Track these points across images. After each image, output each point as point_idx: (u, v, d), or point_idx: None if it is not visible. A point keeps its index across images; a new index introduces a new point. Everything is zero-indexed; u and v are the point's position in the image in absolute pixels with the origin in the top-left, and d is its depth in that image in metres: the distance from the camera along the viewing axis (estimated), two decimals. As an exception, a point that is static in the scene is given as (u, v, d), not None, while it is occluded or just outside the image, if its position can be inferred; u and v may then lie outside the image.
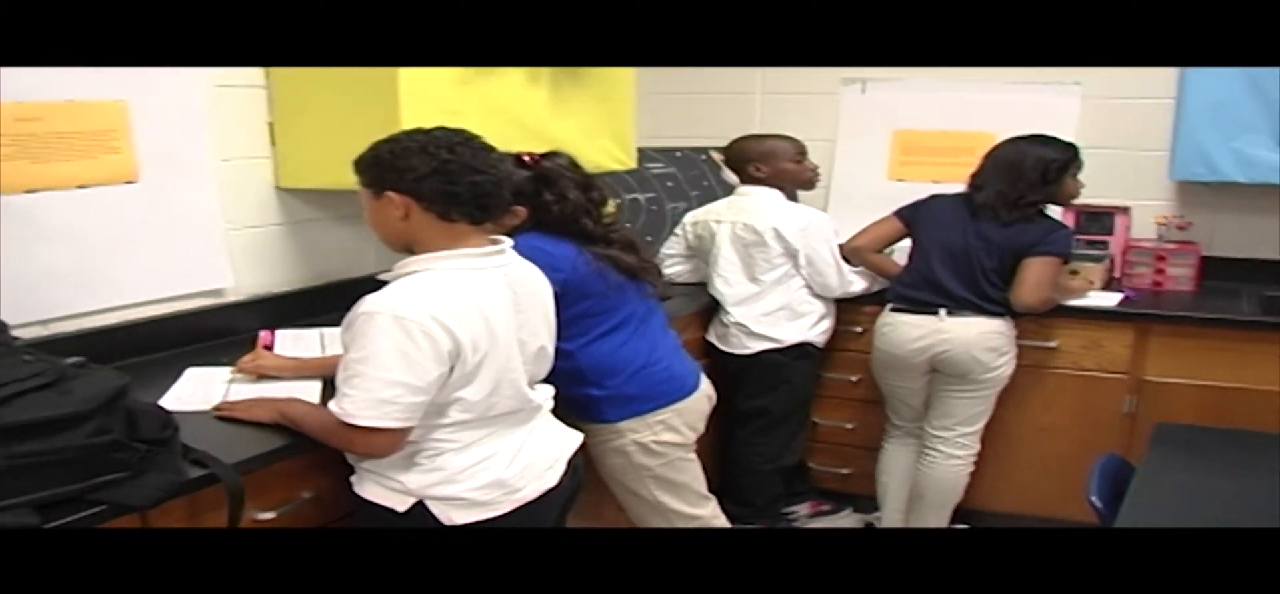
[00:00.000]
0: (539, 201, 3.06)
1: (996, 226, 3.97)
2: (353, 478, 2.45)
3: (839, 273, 4.23)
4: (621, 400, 3.18)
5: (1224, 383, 4.06)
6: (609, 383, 3.16)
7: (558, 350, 2.78)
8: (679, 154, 4.97)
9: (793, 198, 4.34)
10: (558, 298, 2.78)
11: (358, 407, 2.24)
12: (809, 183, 4.36)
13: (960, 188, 4.16)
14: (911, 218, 4.25)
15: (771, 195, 4.23)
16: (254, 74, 3.35)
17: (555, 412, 2.76)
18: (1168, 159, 4.54)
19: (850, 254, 4.30)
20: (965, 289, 3.99)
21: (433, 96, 3.10)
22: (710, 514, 3.47)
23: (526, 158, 3.09)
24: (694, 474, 3.40)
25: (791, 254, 4.14)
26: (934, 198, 4.24)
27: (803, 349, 4.26)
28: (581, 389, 3.13)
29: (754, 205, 4.21)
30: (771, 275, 4.17)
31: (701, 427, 3.40)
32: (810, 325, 4.25)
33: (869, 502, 4.61)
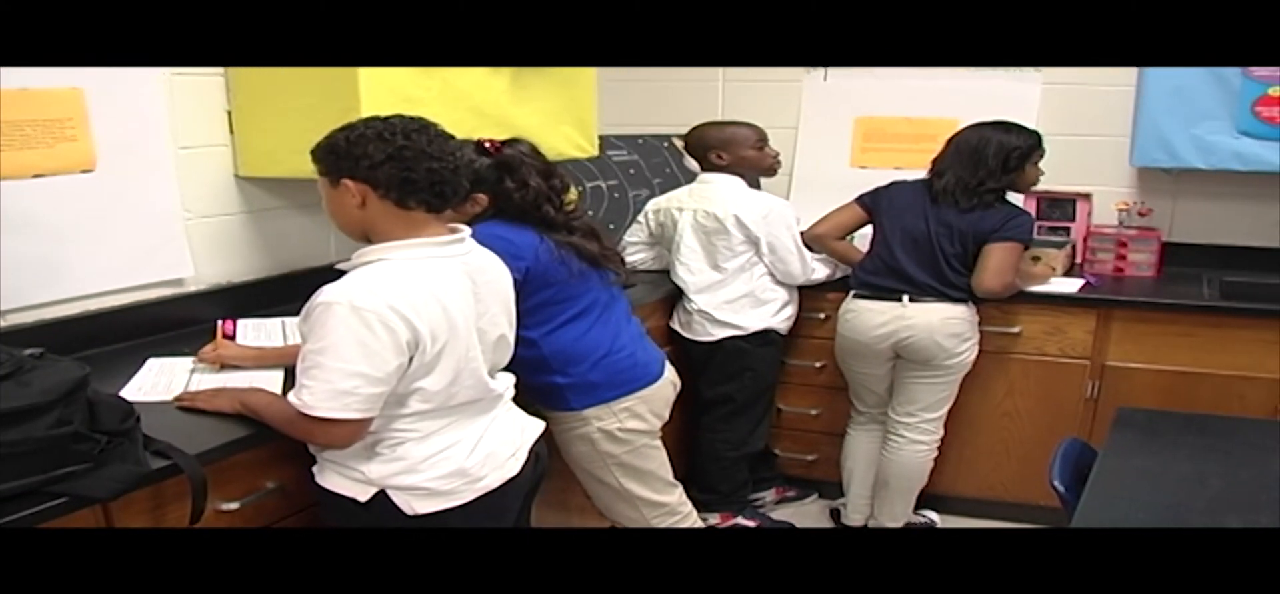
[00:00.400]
0: (500, 189, 3.05)
1: (957, 212, 3.98)
2: (314, 468, 2.44)
3: (801, 260, 4.22)
4: (585, 388, 3.18)
5: (1185, 367, 4.10)
6: (573, 370, 3.15)
7: (521, 339, 2.78)
8: (641, 141, 4.96)
9: (755, 185, 4.33)
10: (519, 286, 2.78)
11: (317, 398, 2.22)
12: (770, 170, 4.35)
13: (922, 174, 4.17)
14: (872, 205, 4.25)
15: (732, 183, 4.21)
16: (210, 61, 3.33)
17: (519, 400, 2.75)
18: (1129, 146, 4.57)
19: (812, 241, 4.30)
20: (928, 275, 4.01)
21: (392, 85, 3.08)
22: (676, 501, 3.48)
23: (488, 144, 3.08)
24: (660, 461, 3.40)
25: (753, 241, 4.14)
26: (894, 184, 4.24)
27: (766, 336, 4.25)
28: (545, 377, 3.13)
29: (715, 193, 4.20)
30: (734, 263, 4.16)
31: (666, 413, 3.40)
32: (773, 312, 4.24)
33: (834, 488, 4.62)
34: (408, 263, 2.35)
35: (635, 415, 3.26)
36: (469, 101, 3.40)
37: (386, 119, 2.39)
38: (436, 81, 3.27)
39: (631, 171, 4.84)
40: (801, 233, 4.28)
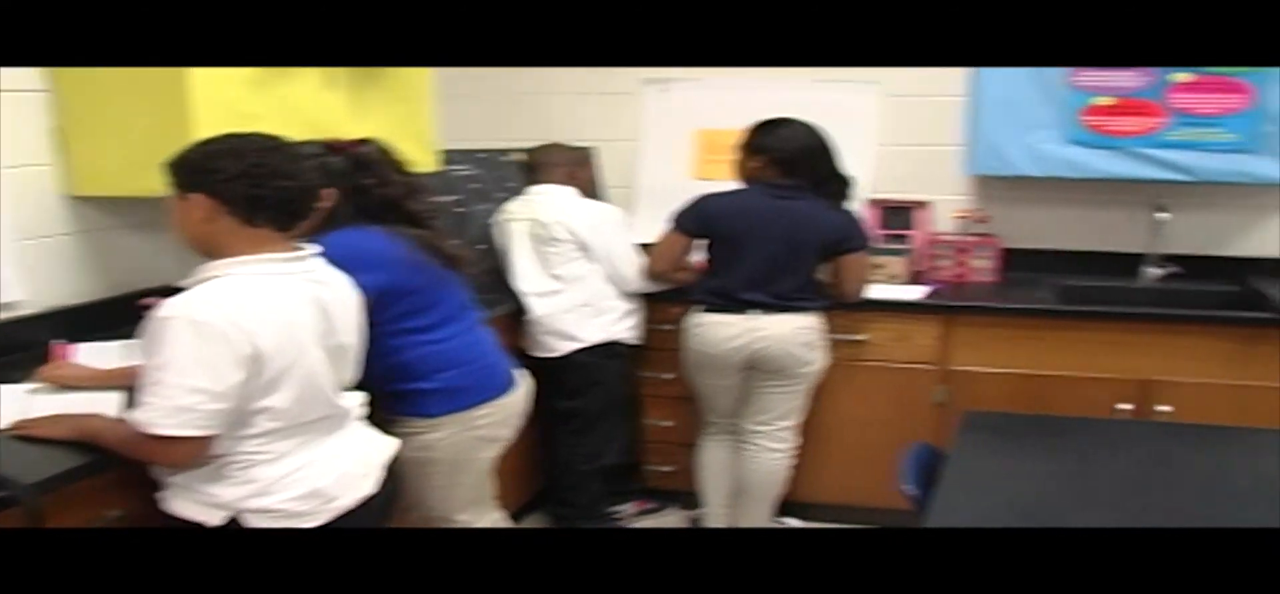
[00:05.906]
0: (359, 186, 2.99)
1: (807, 224, 4.01)
2: (162, 494, 2.36)
3: (635, 267, 4.26)
4: (446, 394, 3.10)
5: (1029, 370, 4.22)
6: (436, 377, 3.08)
7: (379, 347, 2.75)
8: (482, 156, 4.91)
9: (591, 196, 4.35)
10: (377, 295, 2.74)
11: (157, 415, 2.19)
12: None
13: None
14: (696, 226, 4.19)
15: (564, 192, 4.26)
16: (31, 78, 3.21)
17: (376, 410, 2.72)
18: (963, 155, 4.67)
19: (654, 280, 4.28)
20: (775, 289, 4.01)
21: (225, 100, 3.04)
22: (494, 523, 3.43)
23: (338, 144, 3.02)
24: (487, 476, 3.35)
25: (584, 248, 4.17)
26: (709, 198, 4.18)
27: (611, 348, 4.27)
28: (405, 384, 3.06)
29: (546, 202, 4.24)
30: (568, 271, 4.19)
31: (521, 423, 3.37)
32: (614, 321, 4.27)
33: (694, 498, 4.60)
34: (249, 278, 2.32)
35: (493, 421, 3.21)
36: (304, 116, 3.34)
37: (243, 135, 2.38)
38: (272, 97, 3.23)
39: (474, 187, 4.79)
40: (644, 272, 4.27)
